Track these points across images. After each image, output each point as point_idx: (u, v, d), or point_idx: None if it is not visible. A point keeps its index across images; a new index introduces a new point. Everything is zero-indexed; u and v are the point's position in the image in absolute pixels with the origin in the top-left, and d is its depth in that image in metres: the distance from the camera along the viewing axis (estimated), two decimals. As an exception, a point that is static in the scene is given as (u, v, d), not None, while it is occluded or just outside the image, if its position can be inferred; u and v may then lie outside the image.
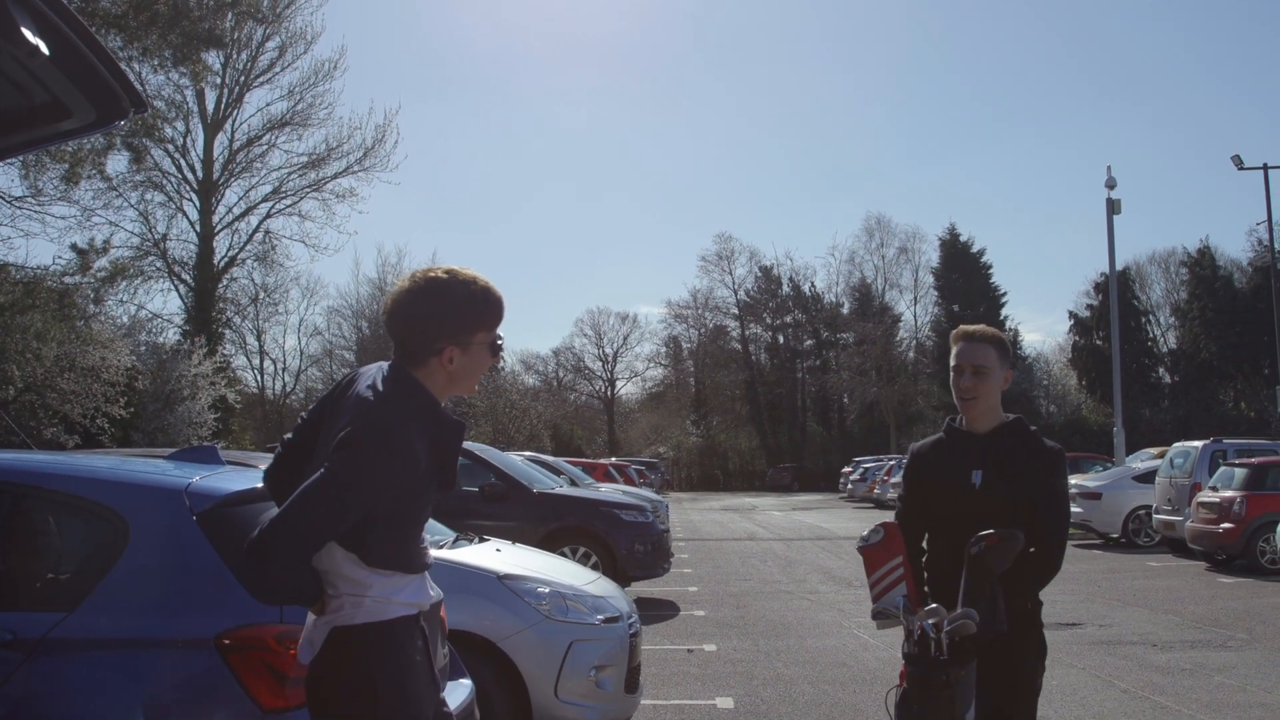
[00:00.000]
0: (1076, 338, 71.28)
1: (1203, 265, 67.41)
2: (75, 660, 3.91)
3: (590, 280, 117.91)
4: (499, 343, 3.22)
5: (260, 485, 4.20)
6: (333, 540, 3.01)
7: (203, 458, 4.85)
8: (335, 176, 46.97)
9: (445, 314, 3.11)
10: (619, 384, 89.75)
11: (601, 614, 6.84)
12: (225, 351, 42.96)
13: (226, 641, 3.88)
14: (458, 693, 5.03)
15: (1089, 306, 69.46)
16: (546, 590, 6.67)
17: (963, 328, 4.23)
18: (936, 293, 78.02)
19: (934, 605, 3.62)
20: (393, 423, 2.99)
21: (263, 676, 3.86)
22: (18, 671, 3.81)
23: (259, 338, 63.98)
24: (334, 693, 3.08)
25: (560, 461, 23.50)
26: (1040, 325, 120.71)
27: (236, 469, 4.78)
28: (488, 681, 6.16)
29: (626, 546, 14.10)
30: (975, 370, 4.09)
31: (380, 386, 3.13)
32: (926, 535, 4.15)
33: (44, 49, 2.45)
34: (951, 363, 4.17)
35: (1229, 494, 18.24)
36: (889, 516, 4.20)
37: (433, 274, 3.15)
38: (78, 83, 2.66)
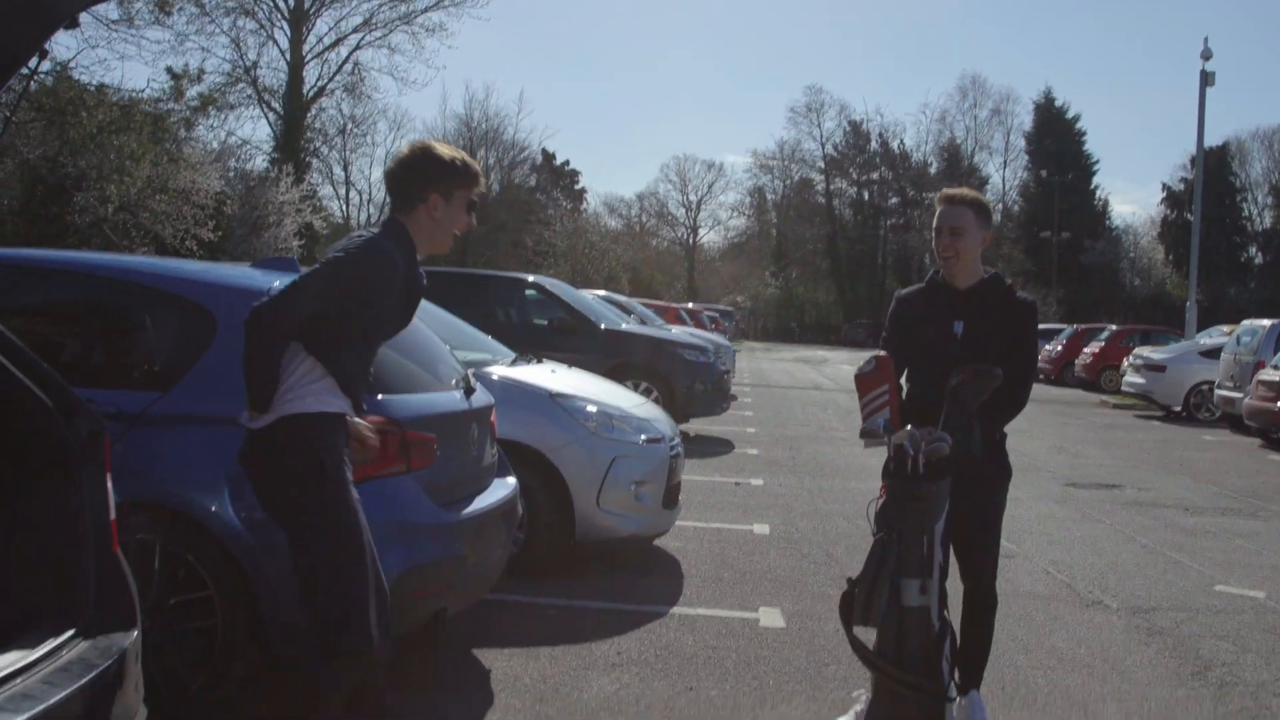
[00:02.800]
0: (1168, 211, 69.72)
1: (1306, 143, 65.34)
2: (168, 432, 4.51)
3: (677, 126, 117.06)
4: (475, 200, 3.89)
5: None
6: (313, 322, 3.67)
7: (283, 266, 5.33)
8: (425, 10, 46.97)
9: (435, 168, 3.80)
10: (701, 232, 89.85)
11: (645, 434, 7.37)
12: (312, 180, 43.64)
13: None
14: (503, 488, 5.59)
15: (1183, 180, 67.63)
16: (594, 409, 7.21)
17: (945, 190, 4.58)
18: (1027, 157, 76.57)
19: (909, 428, 4.03)
20: (378, 241, 3.73)
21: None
22: (119, 441, 4.37)
23: (345, 168, 64.83)
24: (282, 470, 3.72)
25: (632, 302, 23.60)
26: (1136, 197, 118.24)
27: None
28: (536, 488, 6.75)
29: (687, 384, 14.58)
30: (952, 231, 4.42)
31: (370, 229, 3.89)
32: (907, 371, 4.54)
33: None
34: (933, 224, 4.51)
35: (1289, 373, 18.22)
36: None
37: (426, 142, 3.91)
38: None
